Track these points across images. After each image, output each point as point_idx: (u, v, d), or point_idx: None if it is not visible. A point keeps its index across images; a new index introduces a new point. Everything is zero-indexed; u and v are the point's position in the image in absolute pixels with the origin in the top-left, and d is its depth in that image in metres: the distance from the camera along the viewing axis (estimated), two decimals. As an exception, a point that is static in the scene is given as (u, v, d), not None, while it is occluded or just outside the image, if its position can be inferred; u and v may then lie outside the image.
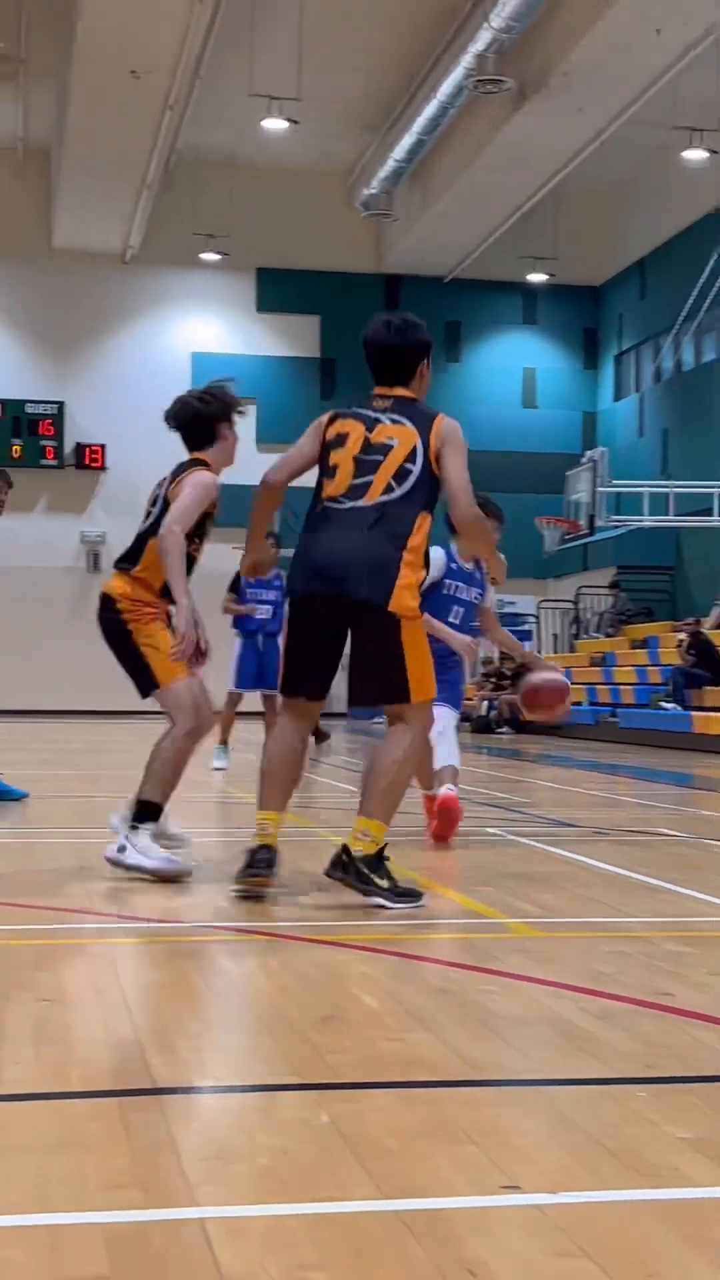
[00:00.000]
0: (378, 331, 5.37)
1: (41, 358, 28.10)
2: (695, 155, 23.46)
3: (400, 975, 4.01)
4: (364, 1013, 3.53)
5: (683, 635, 20.40)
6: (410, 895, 5.07)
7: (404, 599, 5.07)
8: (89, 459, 27.93)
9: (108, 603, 5.95)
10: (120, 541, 28.18)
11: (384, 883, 5.04)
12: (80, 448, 27.94)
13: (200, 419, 6.06)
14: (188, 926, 4.77)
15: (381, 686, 5.16)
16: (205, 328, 28.68)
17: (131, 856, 5.67)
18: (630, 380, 29.10)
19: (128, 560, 6.02)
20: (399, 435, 5.22)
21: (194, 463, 6.06)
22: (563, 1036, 3.27)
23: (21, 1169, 2.39)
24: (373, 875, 5.06)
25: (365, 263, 29.10)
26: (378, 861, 5.09)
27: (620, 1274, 1.99)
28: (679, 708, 19.29)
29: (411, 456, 5.20)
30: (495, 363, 29.66)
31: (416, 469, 5.18)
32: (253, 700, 12.22)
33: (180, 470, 6.07)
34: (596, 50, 19.52)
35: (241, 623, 12.16)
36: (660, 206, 26.84)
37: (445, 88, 22.14)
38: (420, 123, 23.67)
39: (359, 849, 5.10)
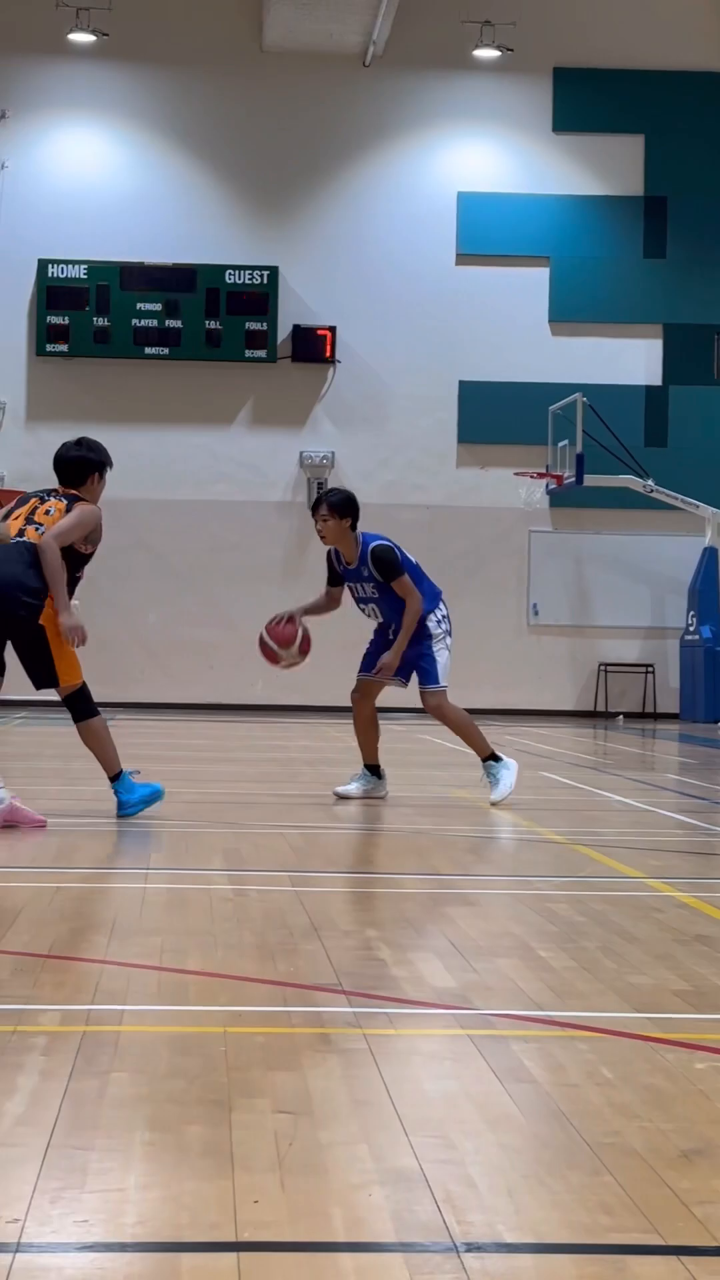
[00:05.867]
0: None
1: (246, 205, 28.45)
2: None
3: None
4: (744, 1147, 3.50)
5: None
6: None
7: None
8: (313, 348, 28.23)
9: None
10: (352, 464, 28.45)
11: None
12: (300, 332, 28.25)
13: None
14: (477, 1014, 4.80)
15: None
16: (478, 156, 28.69)
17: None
18: None
19: None
20: None
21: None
22: None
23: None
24: None
25: (713, 57, 28.70)
26: None
27: None
28: None
29: None
30: None
31: None
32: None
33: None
34: None
35: None
36: None
37: None
38: None
39: None
